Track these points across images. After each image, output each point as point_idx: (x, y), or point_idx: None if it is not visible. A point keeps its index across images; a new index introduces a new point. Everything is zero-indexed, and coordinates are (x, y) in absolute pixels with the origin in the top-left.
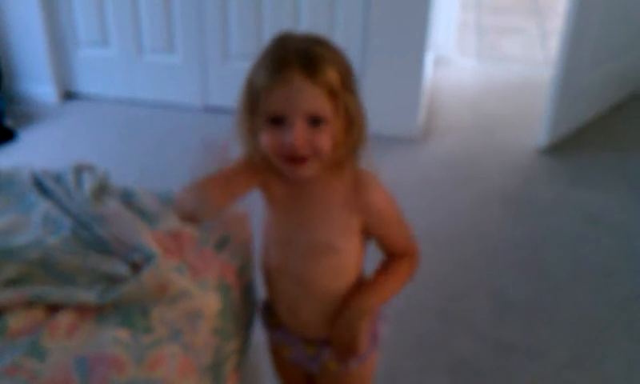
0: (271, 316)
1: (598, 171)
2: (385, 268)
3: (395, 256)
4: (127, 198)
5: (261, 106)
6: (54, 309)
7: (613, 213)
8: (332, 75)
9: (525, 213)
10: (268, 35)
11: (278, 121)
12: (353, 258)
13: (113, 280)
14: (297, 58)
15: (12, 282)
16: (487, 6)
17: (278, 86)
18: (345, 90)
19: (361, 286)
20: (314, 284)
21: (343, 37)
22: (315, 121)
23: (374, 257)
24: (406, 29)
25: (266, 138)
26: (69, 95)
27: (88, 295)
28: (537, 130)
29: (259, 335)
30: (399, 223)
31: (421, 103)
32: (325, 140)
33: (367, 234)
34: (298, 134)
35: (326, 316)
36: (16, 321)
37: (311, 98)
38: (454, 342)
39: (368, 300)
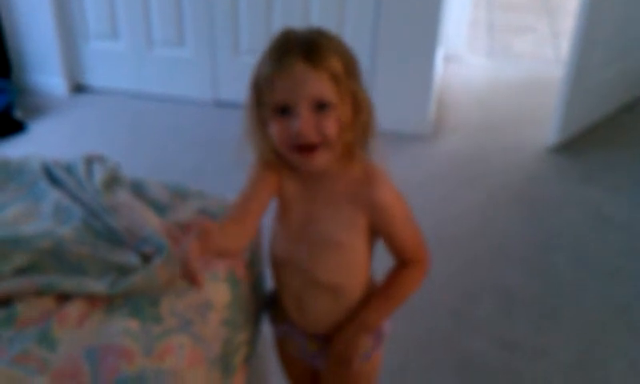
0: (278, 310)
1: (608, 170)
2: (389, 282)
3: (403, 263)
4: (138, 189)
5: (266, 98)
6: (64, 298)
7: (622, 212)
8: (334, 61)
9: (533, 211)
10: (278, 30)
11: (284, 111)
12: (360, 254)
13: (123, 270)
14: (298, 47)
15: (22, 271)
16: (498, 4)
17: (281, 75)
18: (348, 76)
19: (367, 298)
20: (319, 278)
21: (354, 33)
22: (320, 106)
23: (385, 258)
24: (417, 26)
25: (274, 129)
26: (78, 88)
27: (98, 285)
28: (547, 129)
29: (268, 328)
30: (407, 224)
31: (431, 100)
32: (331, 124)
33: (375, 232)
34: (303, 120)
35: (331, 312)
36: (26, 309)
37: (314, 83)
38: (461, 340)
39: (371, 316)
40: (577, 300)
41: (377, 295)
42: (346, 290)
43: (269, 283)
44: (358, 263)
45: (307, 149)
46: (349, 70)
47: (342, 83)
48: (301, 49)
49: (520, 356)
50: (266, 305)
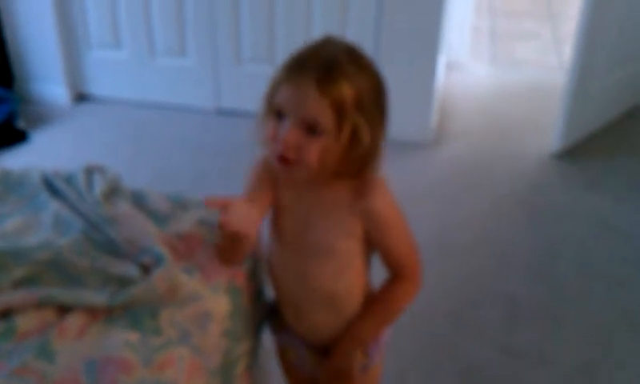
0: (278, 318)
1: (612, 177)
2: (383, 296)
3: (395, 277)
4: (138, 200)
5: (273, 97)
6: (63, 310)
7: (626, 219)
8: (345, 91)
9: (537, 218)
10: (280, 39)
11: (281, 116)
12: (356, 262)
13: (123, 282)
14: (317, 65)
15: (22, 283)
16: (501, 10)
17: (288, 84)
18: (358, 110)
19: (361, 313)
20: (316, 286)
21: (355, 41)
22: (311, 130)
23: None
24: (419, 33)
25: (267, 127)
26: (81, 97)
27: (98, 297)
28: (550, 135)
29: (269, 337)
30: (402, 236)
31: (433, 108)
32: (312, 151)
33: (370, 241)
34: (288, 134)
35: (329, 320)
36: (26, 322)
37: (313, 106)
38: (464, 348)
39: (365, 330)
40: (581, 307)
41: (371, 309)
42: (343, 298)
43: (269, 292)
44: (354, 272)
45: (284, 161)
46: (360, 103)
47: (346, 114)
48: (317, 69)
49: (524, 363)
50: (267, 314)
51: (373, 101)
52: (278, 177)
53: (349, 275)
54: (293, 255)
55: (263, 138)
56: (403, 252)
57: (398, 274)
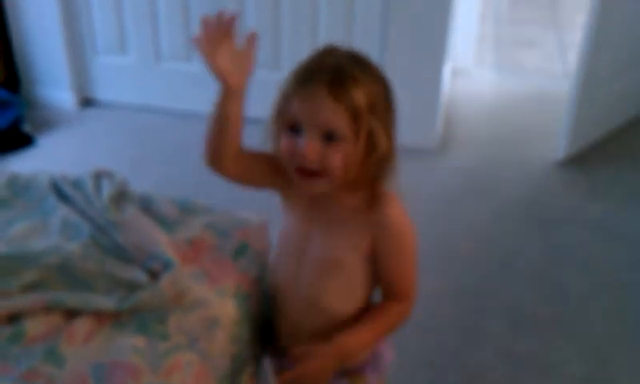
0: (274, 343)
1: (616, 184)
2: (377, 314)
3: (389, 297)
4: (146, 205)
5: (285, 111)
6: (71, 314)
7: (630, 226)
8: (358, 96)
9: (541, 225)
10: (285, 46)
11: (295, 129)
12: (361, 279)
13: (131, 287)
14: (326, 73)
15: (30, 287)
16: (506, 18)
17: (301, 96)
18: (372, 114)
19: (352, 327)
20: (322, 304)
21: (361, 47)
22: (330, 137)
23: None
24: (425, 39)
25: (283, 143)
26: (87, 102)
27: (106, 302)
28: (555, 143)
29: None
30: (408, 258)
31: (438, 114)
32: (336, 159)
33: (374, 257)
34: (309, 146)
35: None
36: (34, 326)
37: (329, 113)
38: (468, 355)
39: (352, 346)
40: (585, 314)
41: (362, 325)
42: (345, 319)
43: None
44: (360, 291)
45: (307, 173)
46: (373, 107)
47: (361, 119)
48: (327, 76)
49: (528, 371)
50: (264, 339)
51: (384, 104)
52: (288, 183)
53: (356, 295)
54: (301, 269)
55: (278, 154)
56: (403, 279)
57: (392, 295)
